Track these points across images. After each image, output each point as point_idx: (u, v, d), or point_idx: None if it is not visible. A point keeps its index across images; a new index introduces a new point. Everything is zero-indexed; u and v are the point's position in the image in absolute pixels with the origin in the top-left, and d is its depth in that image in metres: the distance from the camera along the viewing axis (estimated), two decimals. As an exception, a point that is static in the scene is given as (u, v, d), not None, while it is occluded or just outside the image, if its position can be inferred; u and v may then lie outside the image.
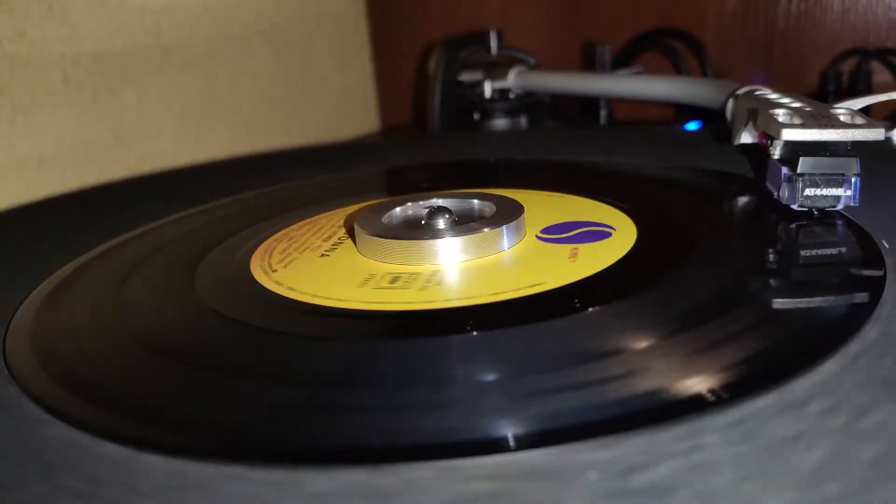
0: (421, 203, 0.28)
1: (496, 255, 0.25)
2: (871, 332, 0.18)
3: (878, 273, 0.21)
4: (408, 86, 0.70)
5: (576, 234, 0.26)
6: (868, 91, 0.50)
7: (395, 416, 0.16)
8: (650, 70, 0.57)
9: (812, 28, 0.56)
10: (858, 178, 0.24)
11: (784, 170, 0.25)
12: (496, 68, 0.56)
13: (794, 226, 0.25)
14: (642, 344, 0.19)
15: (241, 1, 0.57)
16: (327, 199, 0.34)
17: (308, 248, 0.27)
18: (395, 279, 0.23)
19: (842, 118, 0.25)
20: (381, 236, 0.25)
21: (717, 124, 0.39)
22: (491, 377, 0.18)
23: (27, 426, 0.17)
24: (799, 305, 0.20)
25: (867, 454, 0.14)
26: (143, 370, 0.20)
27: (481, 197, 0.28)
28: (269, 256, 0.27)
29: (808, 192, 0.25)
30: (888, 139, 0.33)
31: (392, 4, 0.70)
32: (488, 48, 0.59)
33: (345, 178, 0.40)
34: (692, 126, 0.50)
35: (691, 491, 0.13)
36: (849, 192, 0.25)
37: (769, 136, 0.26)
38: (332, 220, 0.31)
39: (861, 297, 0.20)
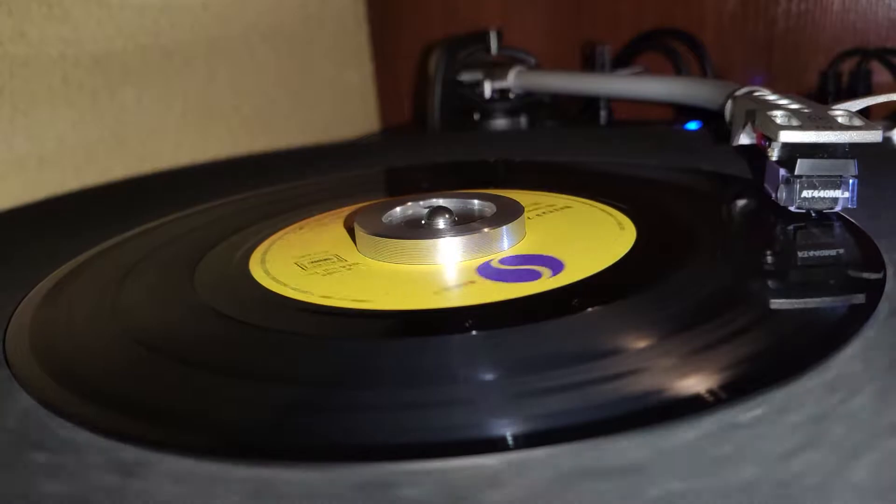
0: (421, 203, 0.28)
1: (496, 254, 0.25)
2: (869, 334, 0.18)
3: (878, 275, 0.21)
4: (408, 86, 0.70)
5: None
6: (868, 91, 0.50)
7: (393, 416, 0.16)
8: (650, 70, 0.57)
9: (812, 28, 0.56)
10: (856, 180, 0.24)
11: (782, 171, 0.25)
12: (496, 68, 0.56)
13: (791, 227, 0.25)
14: (639, 344, 0.19)
15: (241, 1, 0.57)
16: (327, 199, 0.34)
17: (307, 247, 0.27)
18: (395, 279, 0.23)
19: (840, 120, 0.25)
20: (381, 236, 0.25)
21: (717, 124, 0.39)
22: (488, 377, 0.18)
23: (26, 423, 0.17)
24: (796, 307, 0.20)
25: (868, 457, 0.14)
26: (142, 368, 0.20)
27: (481, 197, 0.28)
28: (269, 256, 0.27)
29: (806, 193, 0.25)
30: (888, 139, 0.33)
31: (392, 4, 0.70)
32: (488, 48, 0.59)
33: (345, 178, 0.40)
34: (692, 126, 0.50)
35: (687, 494, 0.13)
36: (846, 194, 0.25)
37: (767, 138, 0.26)
38: (332, 220, 0.31)
39: (859, 298, 0.20)
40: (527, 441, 0.15)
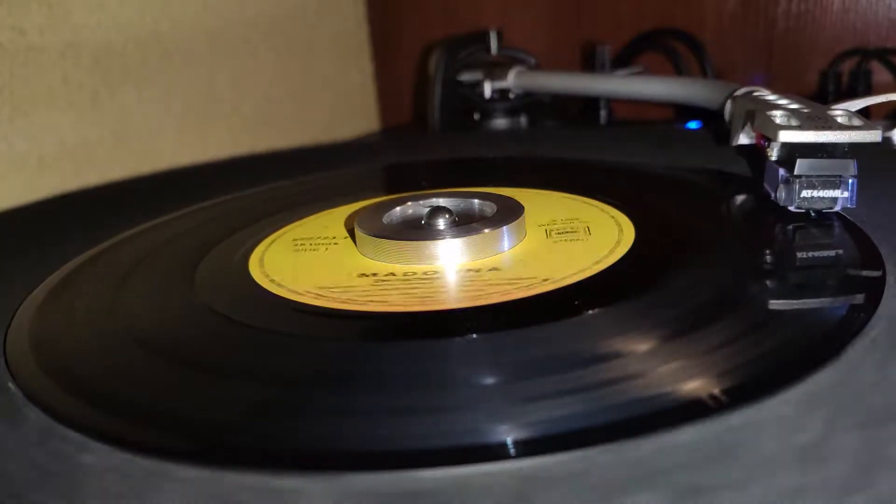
0: (421, 203, 0.28)
1: (496, 255, 0.25)
2: (870, 334, 0.18)
3: (877, 274, 0.21)
4: (408, 86, 0.70)
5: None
6: (868, 91, 0.50)
7: (392, 420, 0.16)
8: (650, 70, 0.57)
9: (812, 28, 0.56)
10: (856, 180, 0.24)
11: (781, 171, 0.25)
12: (496, 68, 0.56)
13: (791, 227, 0.25)
14: (638, 347, 0.19)
15: (242, 1, 0.57)
16: (327, 199, 0.34)
17: (307, 247, 0.28)
18: (394, 279, 0.23)
19: (839, 120, 0.25)
20: (381, 236, 0.25)
21: (717, 124, 0.39)
22: (486, 381, 0.18)
23: (26, 425, 0.17)
24: (796, 308, 0.20)
25: (872, 458, 0.14)
26: (142, 370, 0.20)
27: (481, 197, 0.28)
28: (268, 256, 0.27)
29: (806, 193, 0.25)
30: (887, 139, 0.33)
31: (392, 4, 0.70)
32: (488, 48, 0.59)
33: (345, 178, 0.40)
34: (692, 125, 0.50)
35: (688, 498, 0.13)
36: (846, 194, 0.25)
37: (766, 138, 0.26)
38: (332, 220, 0.31)
39: (859, 298, 0.20)
40: (526, 448, 0.15)
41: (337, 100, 0.67)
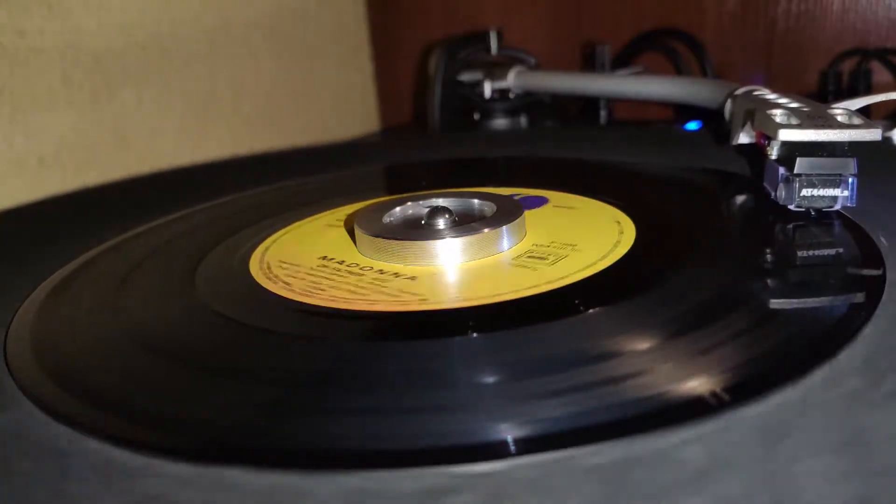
0: (421, 203, 0.28)
1: (495, 255, 0.25)
2: (870, 332, 0.18)
3: (877, 273, 0.21)
4: (408, 86, 0.70)
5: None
6: (868, 91, 0.50)
7: (393, 419, 0.16)
8: (650, 70, 0.57)
9: (812, 28, 0.56)
10: (856, 179, 0.24)
11: (781, 170, 0.25)
12: (496, 68, 0.56)
13: (791, 226, 0.25)
14: (639, 346, 0.19)
15: (242, 1, 0.57)
16: (327, 199, 0.34)
17: (308, 247, 0.28)
18: (394, 279, 0.23)
19: (839, 118, 0.25)
20: (381, 236, 0.25)
21: (717, 124, 0.39)
22: (487, 380, 0.18)
23: (27, 426, 0.17)
24: (797, 307, 0.20)
25: (874, 454, 0.14)
26: (143, 370, 0.20)
27: (481, 197, 0.28)
28: (269, 256, 0.27)
29: (806, 192, 0.25)
30: (888, 138, 0.33)
31: (392, 4, 0.70)
32: (488, 48, 0.59)
33: (345, 178, 0.40)
34: (692, 126, 0.50)
35: (693, 497, 0.13)
36: (846, 193, 0.25)
37: (767, 137, 0.26)
38: (333, 220, 0.31)
39: (859, 297, 0.20)
40: (523, 446, 0.15)
41: (337, 100, 0.67)
